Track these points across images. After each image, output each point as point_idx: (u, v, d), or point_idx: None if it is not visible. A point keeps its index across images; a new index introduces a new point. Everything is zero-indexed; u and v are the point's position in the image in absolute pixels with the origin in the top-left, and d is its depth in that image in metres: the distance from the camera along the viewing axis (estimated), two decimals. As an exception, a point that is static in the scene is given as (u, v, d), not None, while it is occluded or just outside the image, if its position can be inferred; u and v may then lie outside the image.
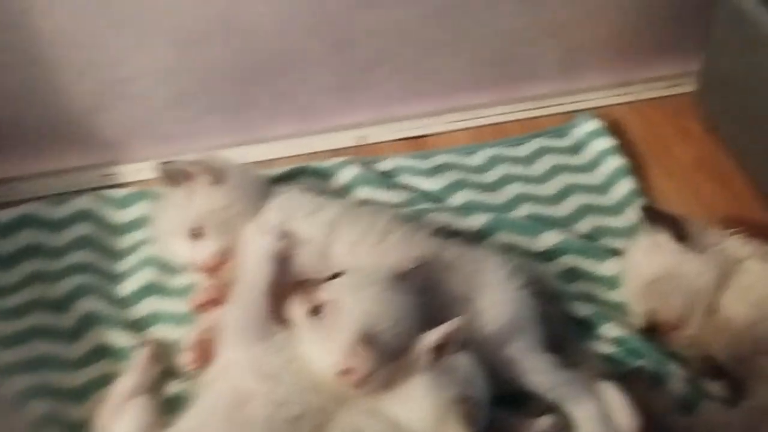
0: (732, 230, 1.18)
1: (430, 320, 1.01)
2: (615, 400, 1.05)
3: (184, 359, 1.09)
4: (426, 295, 1.04)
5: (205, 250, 1.12)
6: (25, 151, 1.42)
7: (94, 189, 1.38)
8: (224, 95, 1.45)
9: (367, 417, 0.95)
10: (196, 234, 1.12)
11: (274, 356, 0.99)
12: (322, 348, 0.96)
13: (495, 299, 1.09)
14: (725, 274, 1.13)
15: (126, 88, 1.39)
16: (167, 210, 1.16)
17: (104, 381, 1.09)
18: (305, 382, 0.97)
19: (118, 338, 1.14)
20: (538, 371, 1.06)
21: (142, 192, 1.37)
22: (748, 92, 1.38)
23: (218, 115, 1.48)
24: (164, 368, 1.11)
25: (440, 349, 0.98)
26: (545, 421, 1.03)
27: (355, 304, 0.97)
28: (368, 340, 0.93)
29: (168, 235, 1.15)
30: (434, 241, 1.15)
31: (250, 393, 0.96)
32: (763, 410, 0.99)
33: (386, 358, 0.94)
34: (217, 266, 1.13)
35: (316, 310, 0.98)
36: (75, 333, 1.16)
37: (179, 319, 1.18)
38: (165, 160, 1.16)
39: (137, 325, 1.18)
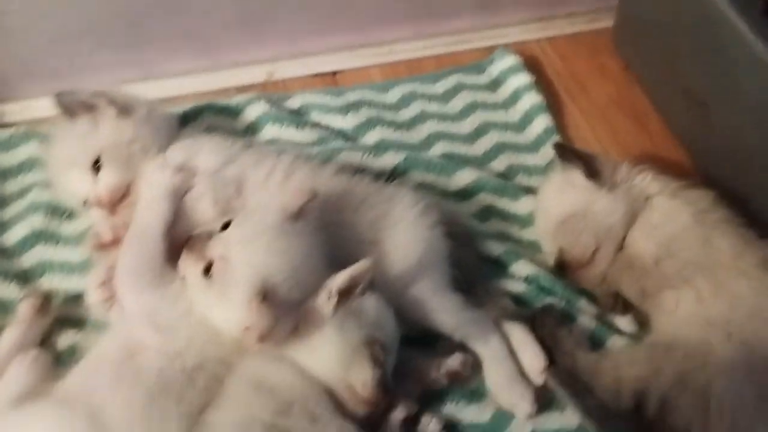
0: (641, 167, 1.17)
1: (335, 258, 0.98)
2: (522, 340, 1.05)
3: (92, 298, 1.01)
4: (325, 231, 1.00)
5: (105, 183, 1.05)
6: None
7: (-26, 129, 1.27)
8: (117, 30, 1.35)
9: (271, 364, 0.92)
10: (97, 167, 1.05)
11: (170, 306, 0.94)
12: (219, 309, 0.91)
13: (404, 238, 1.06)
14: (634, 211, 1.13)
15: (5, 20, 1.27)
16: (65, 142, 1.08)
17: None
18: (204, 334, 0.93)
19: (4, 290, 1.07)
20: (444, 311, 1.05)
21: (29, 132, 1.26)
22: (663, 31, 1.37)
23: (111, 51, 1.38)
24: (56, 319, 1.05)
25: (347, 292, 0.94)
26: (454, 360, 1.02)
27: (247, 258, 0.92)
28: (265, 294, 0.88)
29: (66, 167, 1.07)
30: (342, 178, 1.11)
31: (142, 344, 0.91)
32: (664, 345, 1.01)
33: (288, 309, 0.90)
34: (117, 202, 1.06)
35: (208, 269, 0.93)
36: (-48, 288, 1.07)
37: (70, 268, 1.11)
38: (65, 91, 1.08)
39: (24, 276, 1.10)
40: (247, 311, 0.88)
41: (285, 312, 0.90)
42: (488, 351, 1.04)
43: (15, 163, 1.24)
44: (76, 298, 1.08)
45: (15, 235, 1.15)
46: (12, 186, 1.21)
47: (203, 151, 1.09)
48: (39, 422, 0.86)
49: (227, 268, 0.91)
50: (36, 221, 1.15)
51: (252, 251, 0.92)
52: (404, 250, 1.05)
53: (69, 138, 1.08)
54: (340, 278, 0.93)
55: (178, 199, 1.02)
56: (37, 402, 0.88)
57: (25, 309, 1.01)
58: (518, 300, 1.13)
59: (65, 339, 1.04)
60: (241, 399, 0.89)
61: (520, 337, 1.05)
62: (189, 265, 0.95)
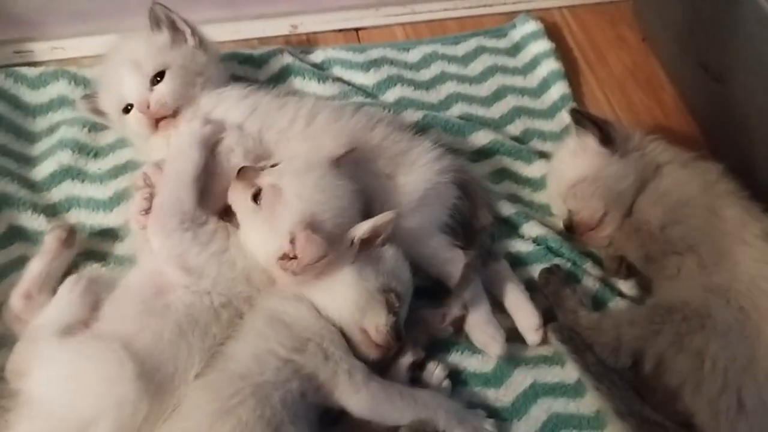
0: (654, 136, 1.20)
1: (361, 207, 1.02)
2: (517, 299, 1.09)
3: (133, 225, 1.05)
4: (359, 182, 1.04)
5: (161, 93, 1.09)
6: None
7: (5, 66, 1.30)
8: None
9: (290, 302, 0.97)
10: (157, 80, 1.10)
11: (201, 248, 0.98)
12: (263, 235, 0.96)
13: (415, 176, 1.11)
14: (644, 179, 1.16)
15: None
16: (138, 44, 1.13)
17: (19, 263, 1.06)
18: (233, 273, 0.97)
19: (32, 221, 1.11)
20: (426, 245, 1.09)
21: (58, 71, 1.29)
22: (681, 5, 1.38)
23: (135, -5, 1.39)
24: (81, 253, 1.09)
25: (368, 241, 0.99)
26: (456, 308, 1.07)
27: (298, 190, 0.96)
28: (312, 227, 0.93)
29: (127, 67, 1.11)
30: (362, 121, 1.15)
31: (171, 282, 0.95)
32: (665, 308, 1.05)
33: (328, 245, 0.94)
34: (160, 118, 1.10)
35: (257, 196, 0.97)
36: (-15, 216, 1.12)
37: (96, 205, 1.15)
38: (161, 3, 1.15)
39: (52, 210, 1.15)
40: (294, 239, 0.92)
41: (325, 249, 0.93)
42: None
43: (44, 101, 1.27)
44: (101, 233, 1.12)
45: (44, 170, 1.19)
46: (41, 123, 1.25)
47: (229, 102, 1.12)
48: (81, 357, 0.90)
49: (277, 197, 0.96)
50: (64, 158, 1.19)
51: (303, 185, 0.97)
52: (412, 185, 1.10)
53: (144, 43, 1.13)
54: (364, 227, 0.98)
55: (208, 148, 1.06)
56: (77, 335, 0.92)
57: (51, 240, 1.05)
58: (526, 259, 1.17)
59: (89, 272, 1.07)
60: (259, 333, 0.94)
61: (515, 296, 1.09)
62: (238, 191, 0.99)
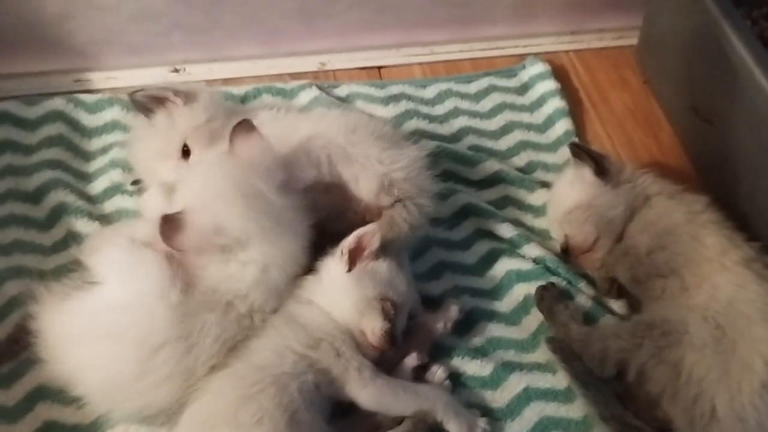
0: (644, 169, 1.32)
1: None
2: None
3: None
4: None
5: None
6: (1, 52, 1.48)
7: (67, 93, 1.46)
8: (190, 13, 1.53)
9: (304, 306, 1.10)
10: (186, 152, 1.17)
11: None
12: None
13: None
14: (634, 208, 1.27)
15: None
16: (150, 139, 1.20)
17: (74, 266, 1.15)
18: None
19: (88, 228, 1.25)
20: None
21: (112, 99, 1.45)
22: (679, 53, 1.50)
23: (184, 32, 1.55)
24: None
25: (356, 251, 1.11)
26: (453, 311, 1.20)
27: (200, 184, 1.08)
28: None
29: (157, 161, 1.19)
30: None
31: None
32: (647, 323, 1.15)
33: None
34: None
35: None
36: (47, 222, 1.26)
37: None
38: (133, 90, 1.20)
39: (106, 219, 1.29)
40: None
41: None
42: None
43: (100, 124, 1.42)
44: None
45: (98, 185, 1.33)
46: (96, 143, 1.40)
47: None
48: (141, 260, 1.03)
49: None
50: (115, 175, 1.33)
51: (206, 182, 1.07)
52: None
53: (152, 135, 1.20)
54: (349, 239, 1.11)
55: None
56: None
57: None
58: (526, 276, 1.28)
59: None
60: (278, 331, 1.06)
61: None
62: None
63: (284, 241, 1.08)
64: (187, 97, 1.20)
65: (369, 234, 1.11)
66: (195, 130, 1.18)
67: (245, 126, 1.09)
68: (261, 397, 0.97)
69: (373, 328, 1.08)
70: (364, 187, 1.17)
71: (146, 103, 1.19)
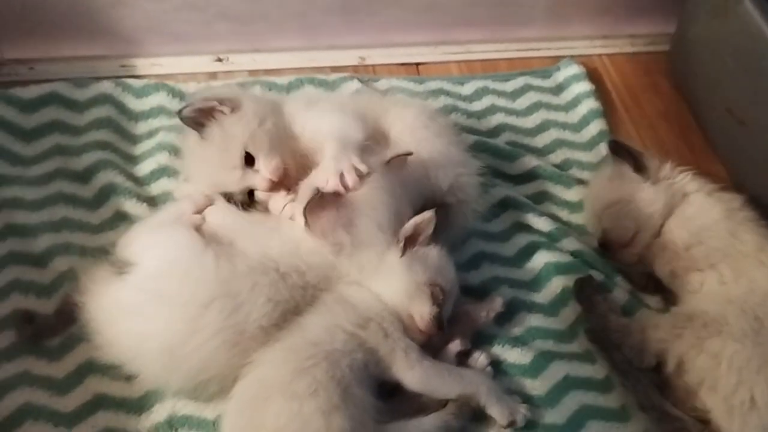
0: (683, 167, 1.34)
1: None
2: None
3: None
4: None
5: (267, 168, 1.13)
6: (50, 36, 1.51)
7: (113, 77, 1.49)
8: (235, 4, 1.55)
9: (355, 287, 1.12)
10: (249, 159, 1.14)
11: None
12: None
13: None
14: (672, 204, 1.30)
15: (142, -14, 1.49)
16: (209, 157, 1.16)
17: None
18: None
19: (136, 208, 1.27)
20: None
21: (158, 84, 1.48)
22: (712, 58, 1.53)
23: (228, 22, 1.58)
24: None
25: (413, 237, 1.13)
26: (497, 303, 1.22)
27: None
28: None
29: (222, 176, 1.16)
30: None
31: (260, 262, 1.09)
32: (687, 315, 1.17)
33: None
34: (284, 179, 1.14)
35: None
36: (96, 201, 1.29)
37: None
38: (179, 108, 1.17)
39: (153, 201, 1.31)
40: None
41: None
42: None
43: (146, 108, 1.45)
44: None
45: (145, 167, 1.36)
46: (143, 127, 1.43)
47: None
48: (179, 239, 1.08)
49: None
50: (162, 158, 1.35)
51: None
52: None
53: (209, 149, 1.15)
54: (407, 226, 1.13)
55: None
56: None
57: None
58: (564, 269, 1.30)
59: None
60: (329, 309, 1.08)
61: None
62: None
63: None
64: (233, 103, 1.17)
65: (426, 221, 1.13)
66: (251, 137, 1.14)
67: (402, 157, 1.17)
68: (315, 370, 1.00)
69: (422, 312, 1.10)
70: (436, 184, 1.21)
71: (195, 117, 1.15)
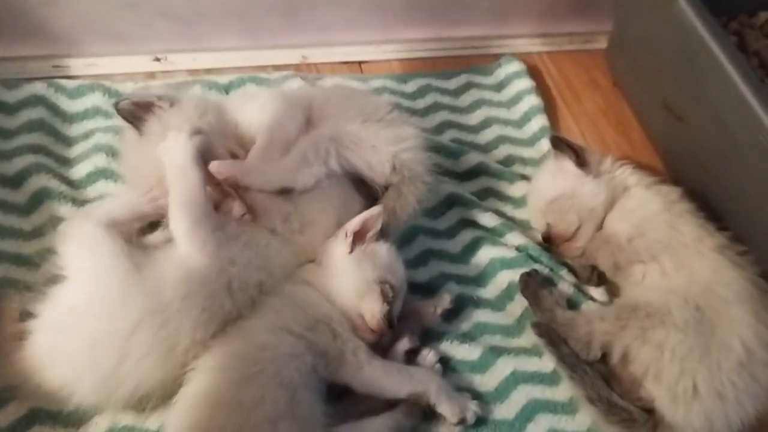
0: (623, 161, 1.37)
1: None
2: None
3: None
4: None
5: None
6: (-24, 36, 1.45)
7: (45, 78, 1.43)
8: (175, 3, 1.52)
9: (302, 286, 1.10)
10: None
11: (230, 244, 1.08)
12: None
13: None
14: (613, 198, 1.32)
15: (79, -16, 1.44)
16: (144, 147, 1.13)
17: (55, 251, 1.14)
18: (259, 261, 1.10)
19: (71, 213, 1.22)
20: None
21: (93, 84, 1.43)
22: (648, 55, 1.56)
23: (168, 22, 1.54)
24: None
25: (361, 234, 1.13)
26: (444, 300, 1.22)
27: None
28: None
29: (161, 168, 1.09)
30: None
31: (199, 269, 1.05)
32: (630, 306, 1.19)
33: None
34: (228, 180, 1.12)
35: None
36: (28, 207, 1.24)
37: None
38: (119, 100, 1.15)
39: (88, 205, 1.26)
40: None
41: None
42: None
43: (81, 110, 1.40)
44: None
45: (81, 170, 1.31)
46: (77, 129, 1.38)
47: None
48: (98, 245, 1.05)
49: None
50: (98, 160, 1.31)
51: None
52: None
53: (149, 146, 1.12)
54: (355, 221, 1.12)
55: (201, 157, 1.10)
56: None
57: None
58: (510, 264, 1.31)
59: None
60: (277, 312, 1.06)
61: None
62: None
63: None
64: (172, 99, 1.16)
65: (374, 217, 1.12)
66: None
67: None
68: (262, 376, 0.98)
69: (372, 311, 1.08)
70: (377, 170, 1.20)
71: (133, 111, 1.14)
